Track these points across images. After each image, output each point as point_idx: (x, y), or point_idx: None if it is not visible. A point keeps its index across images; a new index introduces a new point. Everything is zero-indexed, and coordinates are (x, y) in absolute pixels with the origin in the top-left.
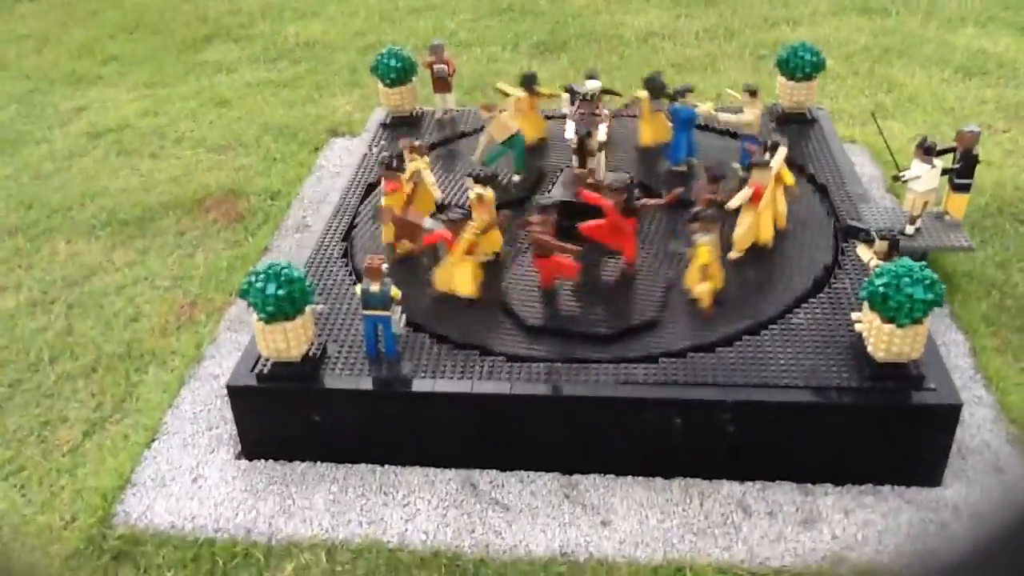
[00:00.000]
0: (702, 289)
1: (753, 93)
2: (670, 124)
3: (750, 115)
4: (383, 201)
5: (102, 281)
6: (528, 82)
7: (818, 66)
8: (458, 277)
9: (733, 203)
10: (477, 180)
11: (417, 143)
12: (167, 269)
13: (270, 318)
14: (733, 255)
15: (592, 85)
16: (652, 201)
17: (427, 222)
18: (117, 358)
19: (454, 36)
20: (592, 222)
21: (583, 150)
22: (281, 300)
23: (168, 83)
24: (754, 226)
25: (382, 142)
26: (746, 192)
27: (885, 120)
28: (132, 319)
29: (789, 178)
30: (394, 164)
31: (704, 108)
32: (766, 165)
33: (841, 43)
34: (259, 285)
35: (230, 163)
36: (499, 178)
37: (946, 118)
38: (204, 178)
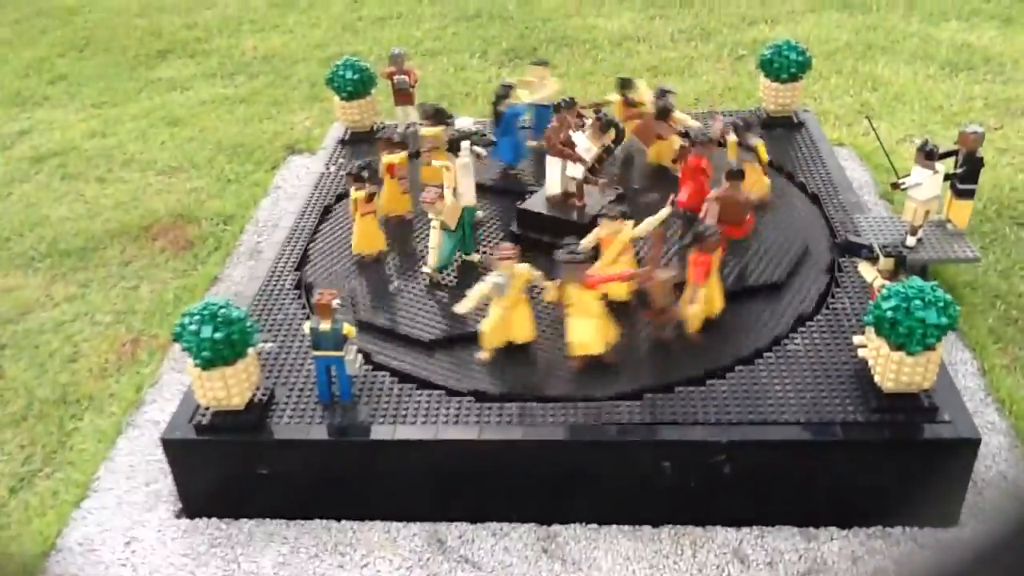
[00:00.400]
0: (692, 312)
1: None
2: None
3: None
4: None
5: (38, 318)
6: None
7: (804, 66)
8: (518, 322)
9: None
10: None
11: (395, 138)
12: (109, 303)
13: (207, 364)
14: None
15: (464, 122)
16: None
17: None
18: (51, 404)
19: (420, 45)
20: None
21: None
22: (218, 344)
23: (118, 102)
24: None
25: (340, 160)
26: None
27: (872, 121)
28: (69, 359)
29: (764, 155)
30: (364, 174)
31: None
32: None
33: (822, 41)
34: (193, 328)
35: (181, 186)
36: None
37: (935, 116)
38: (152, 203)
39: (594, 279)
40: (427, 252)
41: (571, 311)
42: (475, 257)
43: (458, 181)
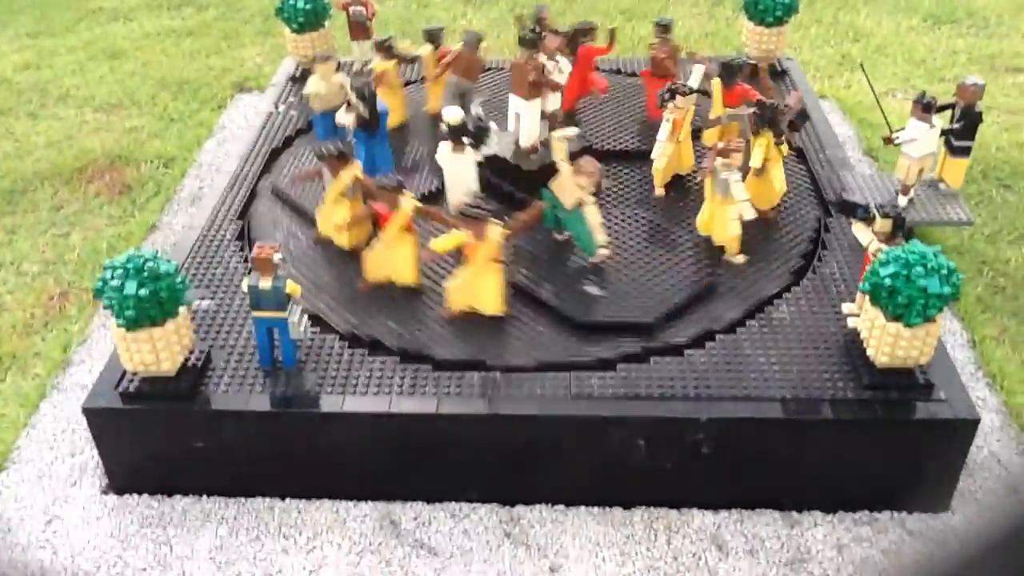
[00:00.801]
0: (730, 236)
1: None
2: None
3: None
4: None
5: None
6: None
7: (790, 8)
8: (484, 291)
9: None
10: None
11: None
12: (37, 252)
13: (132, 324)
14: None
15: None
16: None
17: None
18: None
19: None
20: None
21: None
22: (144, 301)
23: (55, 32)
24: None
25: (290, 99)
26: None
27: (853, 73)
28: None
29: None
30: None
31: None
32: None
33: None
34: (116, 283)
35: (119, 124)
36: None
37: (917, 70)
38: (88, 142)
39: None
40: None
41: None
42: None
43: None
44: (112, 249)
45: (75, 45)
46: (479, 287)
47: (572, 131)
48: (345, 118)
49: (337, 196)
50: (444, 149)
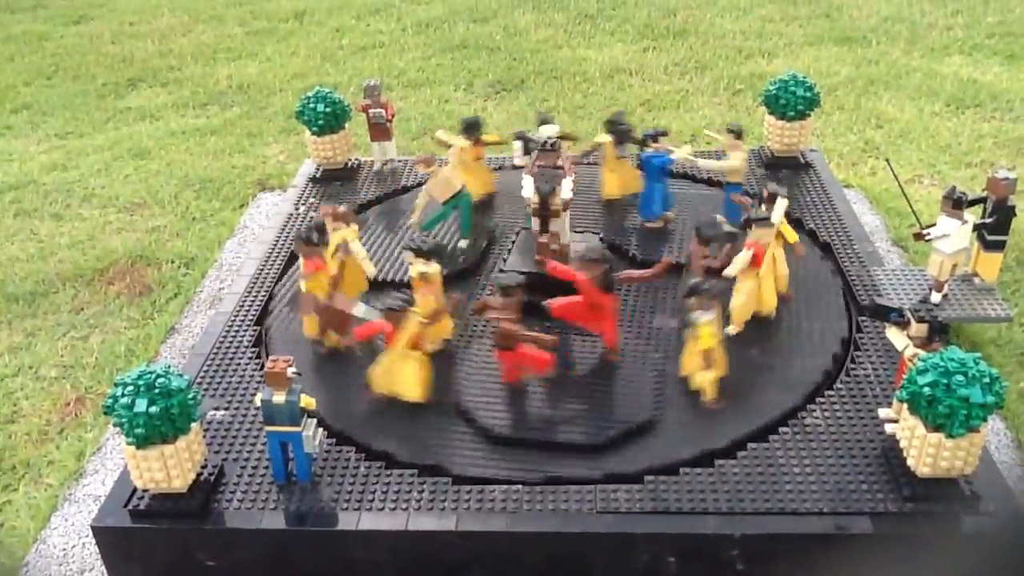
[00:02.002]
0: (705, 378)
1: (738, 135)
2: (639, 173)
3: (736, 160)
4: (303, 285)
5: None
6: (471, 129)
7: (812, 103)
8: (401, 377)
9: (732, 270)
10: (419, 253)
11: (341, 208)
12: (55, 355)
13: (142, 442)
14: (732, 330)
15: (548, 130)
16: (638, 273)
17: (359, 308)
18: None
19: (403, 76)
20: (564, 300)
21: (545, 210)
22: (155, 419)
23: (83, 132)
24: (754, 294)
25: (311, 200)
26: (745, 256)
27: (878, 160)
28: (8, 420)
29: (791, 235)
30: (314, 236)
31: (681, 153)
32: (767, 220)
33: (822, 75)
34: (126, 400)
35: (142, 224)
36: (446, 249)
37: (943, 155)
38: (110, 242)
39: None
40: None
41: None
42: (463, 244)
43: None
44: (130, 353)
45: (102, 145)
46: (398, 373)
47: None
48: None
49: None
50: None
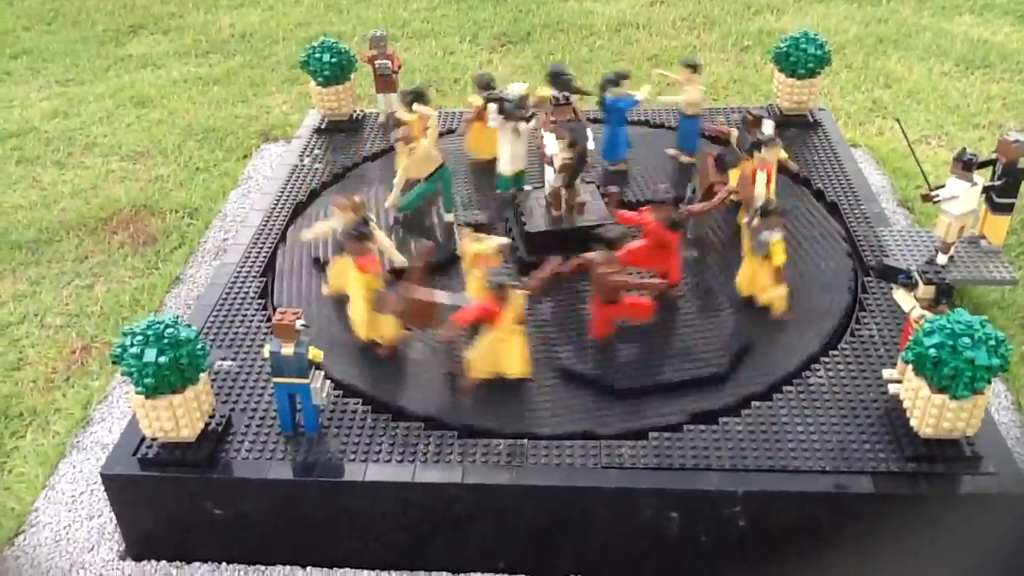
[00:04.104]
0: (776, 294)
1: (694, 68)
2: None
3: (695, 92)
4: (326, 289)
5: None
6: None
7: (823, 61)
8: (508, 354)
9: (759, 189)
10: (478, 229)
11: (357, 199)
12: (60, 304)
13: (151, 391)
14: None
15: (517, 88)
16: (699, 207)
17: (443, 296)
18: None
19: (407, 26)
20: (632, 246)
21: (580, 162)
22: (164, 369)
23: (84, 80)
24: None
25: (315, 151)
26: (762, 177)
27: (885, 120)
28: (14, 367)
29: (779, 255)
30: (364, 230)
31: (642, 94)
32: (773, 140)
33: (831, 33)
34: (135, 350)
35: (145, 173)
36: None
37: (952, 116)
38: (114, 191)
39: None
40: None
41: None
42: (450, 217)
43: (499, 145)
44: (135, 303)
45: (103, 93)
46: (503, 351)
47: None
48: None
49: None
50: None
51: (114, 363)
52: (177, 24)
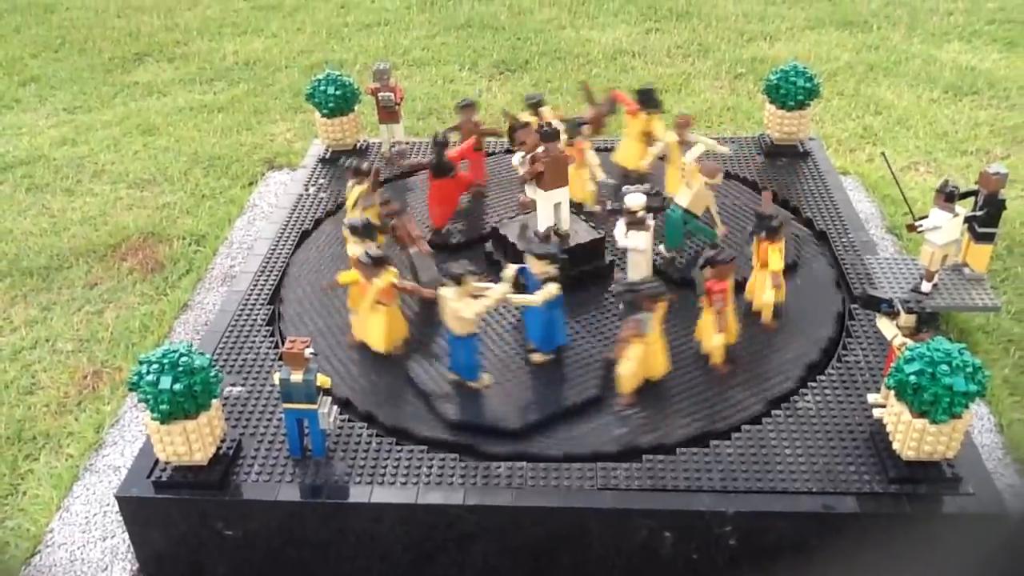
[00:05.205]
0: (766, 303)
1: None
2: None
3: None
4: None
5: None
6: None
7: (812, 93)
8: (656, 359)
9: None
10: (541, 257)
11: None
12: (71, 329)
13: (166, 417)
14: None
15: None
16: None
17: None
18: (5, 441)
19: (408, 54)
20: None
21: None
22: (179, 396)
23: (92, 107)
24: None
25: (320, 181)
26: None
27: (875, 147)
28: (27, 392)
29: (776, 261)
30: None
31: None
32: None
33: (822, 60)
34: (151, 378)
35: (153, 200)
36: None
37: (940, 143)
38: (122, 218)
39: None
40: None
41: None
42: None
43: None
44: (144, 328)
45: (111, 120)
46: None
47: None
48: None
49: (373, 304)
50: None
51: (131, 390)
52: (182, 52)
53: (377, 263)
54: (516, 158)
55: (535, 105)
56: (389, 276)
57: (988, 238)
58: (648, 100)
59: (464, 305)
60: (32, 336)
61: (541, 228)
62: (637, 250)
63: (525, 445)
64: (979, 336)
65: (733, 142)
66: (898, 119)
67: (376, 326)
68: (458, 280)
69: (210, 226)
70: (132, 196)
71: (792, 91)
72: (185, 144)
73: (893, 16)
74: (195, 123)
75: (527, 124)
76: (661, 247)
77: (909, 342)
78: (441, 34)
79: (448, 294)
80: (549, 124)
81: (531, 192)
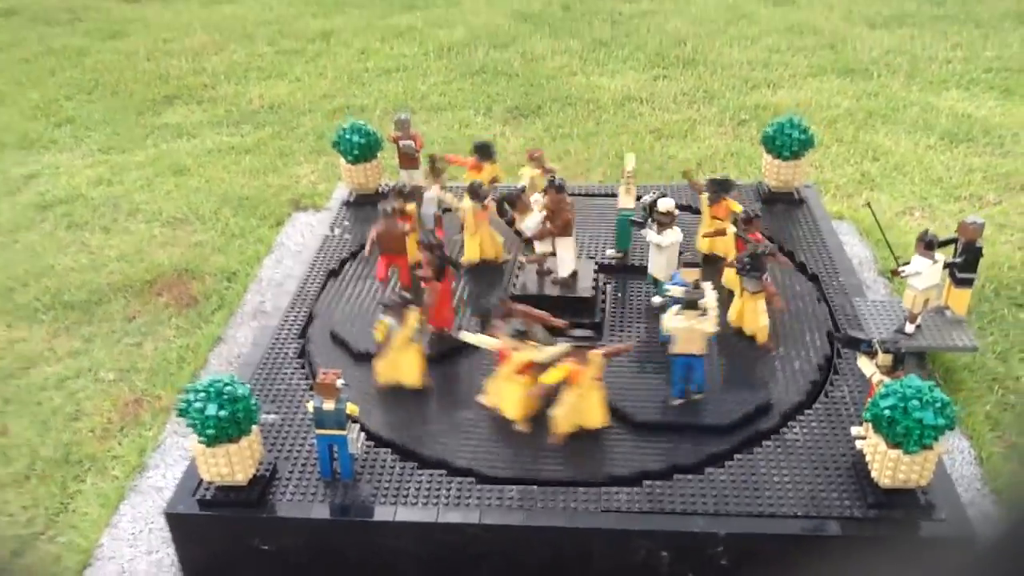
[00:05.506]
0: (761, 327)
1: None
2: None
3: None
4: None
5: (42, 373)
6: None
7: (806, 144)
8: (591, 409)
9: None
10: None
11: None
12: (112, 360)
13: (212, 441)
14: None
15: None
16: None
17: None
18: (53, 463)
19: (425, 99)
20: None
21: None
22: (223, 422)
23: (125, 148)
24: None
25: (345, 223)
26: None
27: (872, 192)
28: (72, 418)
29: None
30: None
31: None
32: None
33: (823, 107)
34: (199, 405)
35: (186, 239)
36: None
37: (935, 189)
38: (157, 256)
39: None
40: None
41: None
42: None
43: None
44: (181, 360)
45: (143, 161)
46: (585, 407)
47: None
48: None
49: (405, 342)
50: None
51: (179, 416)
52: (210, 95)
53: (404, 304)
54: (533, 220)
55: (537, 159)
56: (415, 317)
57: (967, 283)
58: (484, 153)
59: (708, 325)
60: (75, 366)
61: (565, 273)
62: (663, 246)
63: (535, 470)
64: (964, 374)
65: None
66: (895, 165)
67: (410, 363)
68: (692, 305)
69: (240, 263)
70: (166, 234)
71: (788, 142)
72: (215, 184)
73: (893, 64)
74: (224, 164)
75: (522, 191)
76: (610, 251)
77: (886, 379)
78: (457, 80)
79: (678, 322)
80: (554, 174)
81: (543, 247)
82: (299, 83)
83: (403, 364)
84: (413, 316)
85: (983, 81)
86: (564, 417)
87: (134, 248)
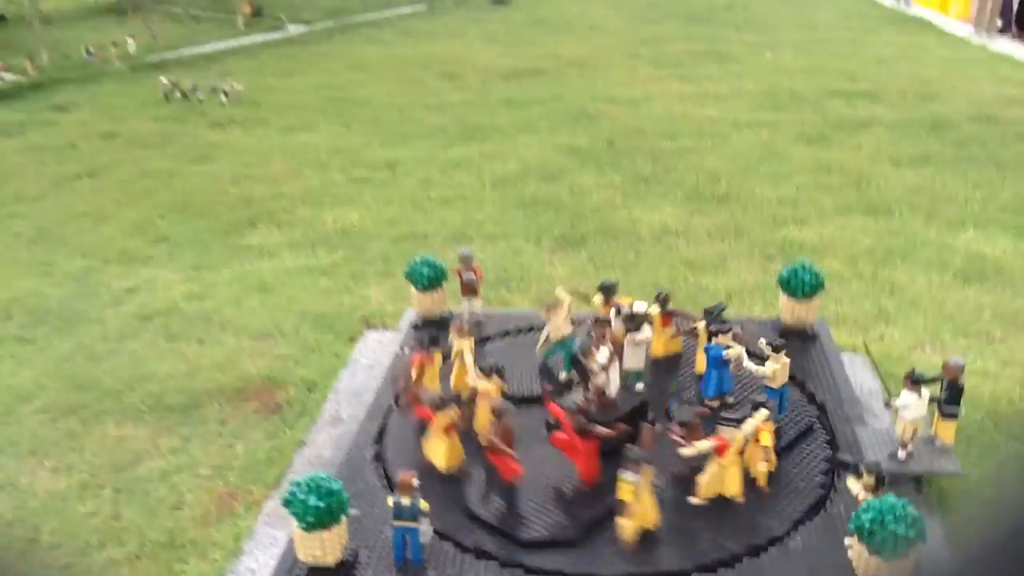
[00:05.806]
0: (761, 471)
1: (777, 349)
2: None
3: (771, 369)
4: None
5: (147, 467)
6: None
7: (818, 286)
8: (732, 480)
9: (687, 452)
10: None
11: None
12: (209, 457)
13: (310, 527)
14: (695, 500)
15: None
16: (603, 430)
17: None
18: (160, 546)
19: (481, 228)
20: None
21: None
22: (321, 512)
23: (214, 266)
24: (718, 477)
25: (412, 343)
26: (707, 445)
27: (888, 327)
28: (175, 507)
29: (766, 438)
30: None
31: (733, 352)
32: (735, 424)
33: (846, 244)
34: (301, 497)
35: (270, 351)
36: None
37: (946, 324)
38: (246, 366)
39: None
40: None
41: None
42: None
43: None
44: (270, 461)
45: (231, 279)
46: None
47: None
48: None
49: (440, 433)
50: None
51: (284, 506)
52: (288, 219)
53: (443, 404)
54: (602, 355)
55: (608, 291)
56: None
57: (952, 415)
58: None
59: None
60: (176, 462)
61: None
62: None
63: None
64: (961, 500)
65: (748, 324)
66: (910, 300)
67: (439, 449)
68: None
69: (319, 375)
70: (252, 347)
71: (800, 285)
72: (295, 303)
73: (915, 203)
74: (302, 284)
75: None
76: (563, 374)
77: (869, 497)
78: (510, 210)
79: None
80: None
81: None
82: (368, 209)
83: (648, 507)
84: (648, 470)
85: (999, 221)
86: (708, 486)
87: (225, 358)
